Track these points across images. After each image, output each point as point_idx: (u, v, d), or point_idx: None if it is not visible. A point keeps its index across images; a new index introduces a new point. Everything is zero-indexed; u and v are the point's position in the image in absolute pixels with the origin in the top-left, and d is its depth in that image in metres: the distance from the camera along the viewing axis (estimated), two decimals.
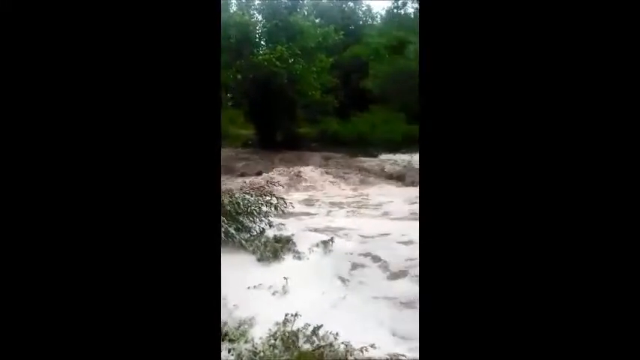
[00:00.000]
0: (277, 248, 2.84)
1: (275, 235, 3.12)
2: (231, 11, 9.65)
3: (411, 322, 1.63)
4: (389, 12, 12.43)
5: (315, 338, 1.75)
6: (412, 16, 10.61)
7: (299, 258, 2.78)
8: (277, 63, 8.38)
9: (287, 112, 9.98)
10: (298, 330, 1.79)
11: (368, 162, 8.26)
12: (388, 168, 7.49)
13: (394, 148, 10.03)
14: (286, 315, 1.83)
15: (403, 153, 9.60)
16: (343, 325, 1.81)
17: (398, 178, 6.95)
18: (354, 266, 2.68)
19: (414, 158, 8.88)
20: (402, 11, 11.65)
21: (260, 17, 10.01)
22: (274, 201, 3.40)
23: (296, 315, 1.83)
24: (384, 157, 9.28)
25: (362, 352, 1.53)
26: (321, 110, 11.71)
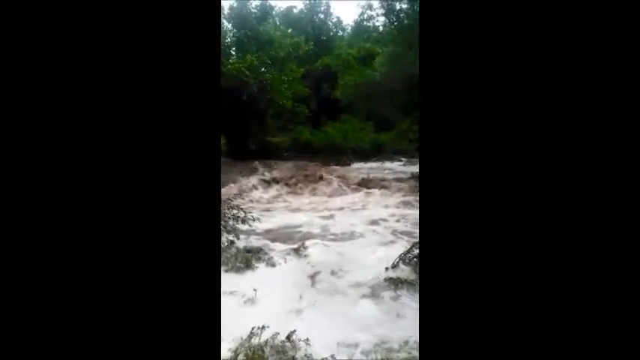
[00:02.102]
0: (248, 258, 2.80)
1: (245, 246, 3.08)
2: None
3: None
4: (358, 24, 12.80)
5: (287, 345, 1.74)
6: (380, 28, 10.98)
7: (272, 265, 2.75)
8: (247, 72, 8.35)
9: (258, 121, 9.92)
10: (266, 342, 1.76)
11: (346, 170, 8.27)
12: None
13: (365, 156, 10.28)
14: (252, 328, 1.80)
15: (374, 161, 9.87)
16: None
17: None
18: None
19: (385, 165, 9.14)
20: (371, 23, 12.04)
21: (230, 26, 9.96)
22: (241, 214, 3.37)
23: (263, 328, 1.80)
24: (356, 165, 9.45)
25: None
26: (293, 119, 11.78)
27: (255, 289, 2.29)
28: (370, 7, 9.14)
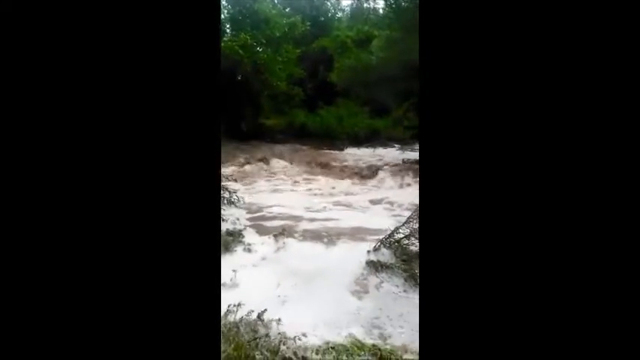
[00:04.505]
0: (229, 241, 2.78)
1: (227, 229, 3.06)
2: None
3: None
4: (356, 5, 12.46)
5: (259, 325, 1.75)
6: (380, 10, 10.70)
7: (249, 250, 2.74)
8: (240, 51, 8.14)
9: (251, 102, 9.75)
10: (241, 319, 1.77)
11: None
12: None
13: (358, 142, 10.20)
14: (229, 306, 1.80)
15: (367, 147, 9.81)
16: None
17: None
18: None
19: (377, 152, 9.09)
20: (370, 4, 11.70)
21: (224, 3, 9.64)
22: (226, 194, 3.32)
23: (239, 305, 1.81)
24: (349, 150, 9.40)
25: (295, 341, 1.54)
26: (289, 102, 11.59)
27: (234, 270, 2.29)
28: None
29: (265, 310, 1.82)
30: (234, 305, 1.82)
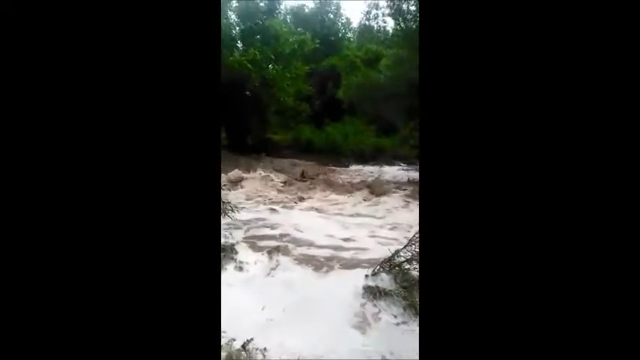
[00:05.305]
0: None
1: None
2: None
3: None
4: (364, 25, 12.65)
5: (243, 355, 1.59)
6: (389, 30, 10.83)
7: (240, 269, 2.58)
8: (249, 66, 8.22)
9: (259, 117, 9.78)
10: (221, 347, 1.61)
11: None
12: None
13: (364, 159, 10.13)
14: None
15: (373, 165, 9.70)
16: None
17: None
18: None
19: (383, 169, 8.98)
20: (376, 23, 11.84)
21: (235, 18, 9.85)
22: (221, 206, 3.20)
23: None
24: (354, 167, 9.30)
25: None
26: (296, 118, 11.65)
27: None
28: (376, 6, 8.97)
29: (251, 339, 1.66)
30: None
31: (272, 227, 3.67)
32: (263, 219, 3.97)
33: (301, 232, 3.55)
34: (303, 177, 6.89)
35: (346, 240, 3.44)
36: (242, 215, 3.71)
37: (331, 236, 3.52)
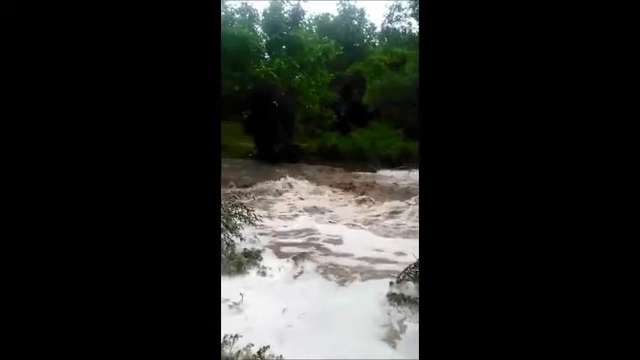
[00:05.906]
0: (243, 262, 2.67)
1: (245, 249, 2.95)
2: (232, 25, 9.79)
3: None
4: (387, 27, 12.51)
5: None
6: (414, 32, 10.62)
7: (263, 274, 2.59)
8: (275, 76, 8.41)
9: (286, 125, 9.95)
10: (238, 353, 1.61)
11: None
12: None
13: (391, 164, 9.92)
14: (225, 336, 1.65)
15: (401, 169, 9.48)
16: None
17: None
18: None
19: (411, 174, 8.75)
20: (399, 25, 11.62)
21: (262, 31, 10.16)
22: (245, 213, 3.24)
23: (236, 337, 1.65)
24: (382, 172, 9.14)
25: None
26: (322, 125, 11.72)
27: (241, 294, 2.15)
28: (399, 7, 8.83)
29: (268, 346, 1.64)
30: (231, 337, 1.66)
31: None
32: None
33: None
34: (352, 187, 6.72)
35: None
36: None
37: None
